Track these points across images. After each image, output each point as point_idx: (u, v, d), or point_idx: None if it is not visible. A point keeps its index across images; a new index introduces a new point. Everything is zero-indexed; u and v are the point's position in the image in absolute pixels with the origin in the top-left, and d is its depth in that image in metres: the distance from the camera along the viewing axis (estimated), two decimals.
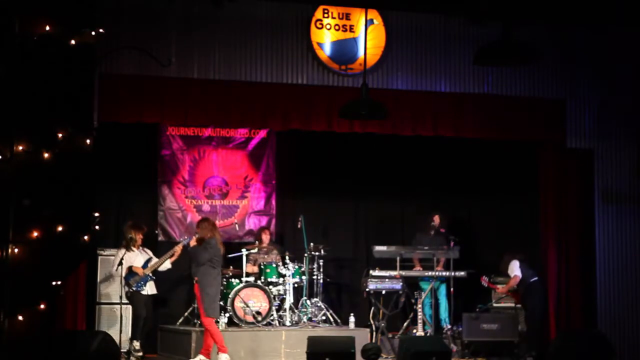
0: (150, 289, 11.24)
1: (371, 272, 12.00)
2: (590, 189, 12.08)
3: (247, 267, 11.94)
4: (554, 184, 12.20)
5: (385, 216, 13.46)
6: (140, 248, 11.30)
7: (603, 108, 11.99)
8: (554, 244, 12.12)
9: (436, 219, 12.52)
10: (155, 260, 11.29)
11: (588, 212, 12.07)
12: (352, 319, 11.97)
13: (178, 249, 11.24)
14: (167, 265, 11.40)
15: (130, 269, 11.05)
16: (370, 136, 11.79)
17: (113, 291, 11.58)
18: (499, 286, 12.09)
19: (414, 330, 11.80)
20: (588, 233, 12.06)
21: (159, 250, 12.12)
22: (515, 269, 11.71)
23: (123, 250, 11.16)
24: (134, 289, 11.01)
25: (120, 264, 10.93)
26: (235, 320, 11.38)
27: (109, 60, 10.33)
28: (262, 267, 11.93)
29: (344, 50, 11.26)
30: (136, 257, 11.18)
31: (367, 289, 11.98)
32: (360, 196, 13.38)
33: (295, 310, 11.79)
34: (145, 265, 11.14)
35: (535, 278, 11.72)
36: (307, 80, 11.15)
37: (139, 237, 11.26)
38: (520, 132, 11.89)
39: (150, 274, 11.17)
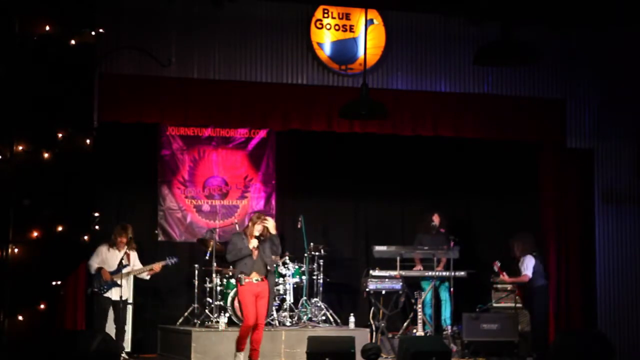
0: (114, 294, 10.72)
1: (371, 272, 11.99)
2: (590, 189, 12.07)
3: None
4: (554, 184, 12.19)
5: (385, 216, 13.46)
6: (125, 251, 10.78)
7: (603, 108, 11.98)
8: (554, 244, 12.10)
9: (435, 218, 12.51)
10: (130, 268, 10.87)
11: (588, 212, 12.06)
12: (352, 319, 11.97)
13: (157, 267, 10.98)
14: (144, 276, 11.12)
15: (99, 270, 10.67)
16: (370, 136, 11.78)
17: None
18: (507, 276, 11.83)
19: (414, 330, 11.79)
20: (588, 233, 12.05)
21: (160, 250, 12.11)
22: (529, 267, 11.40)
23: (105, 247, 10.76)
24: (95, 289, 10.66)
25: (117, 264, 10.67)
26: (235, 320, 11.38)
27: (109, 60, 10.32)
28: None
29: (344, 50, 11.25)
30: (112, 259, 10.77)
31: (367, 289, 11.97)
32: (360, 196, 13.38)
33: (295, 310, 11.79)
34: (117, 271, 10.70)
35: (544, 282, 11.49)
36: (307, 80, 11.14)
37: (120, 240, 10.78)
38: (520, 132, 11.88)
39: (117, 280, 10.65)
